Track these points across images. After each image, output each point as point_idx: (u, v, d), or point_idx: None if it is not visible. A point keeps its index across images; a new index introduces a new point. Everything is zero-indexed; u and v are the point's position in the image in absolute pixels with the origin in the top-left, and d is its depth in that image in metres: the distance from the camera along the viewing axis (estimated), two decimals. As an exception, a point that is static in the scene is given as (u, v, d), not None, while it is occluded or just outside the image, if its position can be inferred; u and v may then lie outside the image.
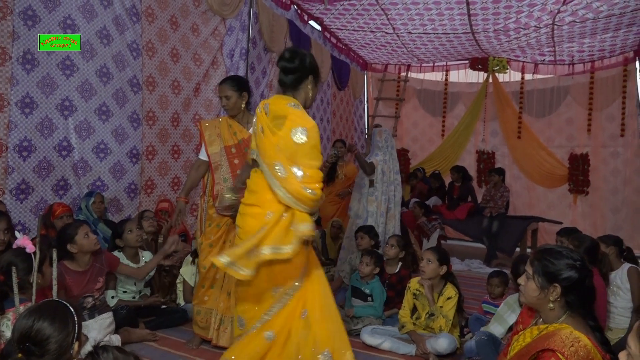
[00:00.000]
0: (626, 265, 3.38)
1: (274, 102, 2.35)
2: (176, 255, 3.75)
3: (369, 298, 3.70)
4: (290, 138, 2.21)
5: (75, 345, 1.58)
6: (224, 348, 2.86)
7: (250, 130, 2.96)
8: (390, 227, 4.74)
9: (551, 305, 1.78)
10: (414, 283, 3.40)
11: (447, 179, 7.58)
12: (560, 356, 1.59)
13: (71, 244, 2.96)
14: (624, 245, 3.53)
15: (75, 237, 2.95)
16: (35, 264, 2.17)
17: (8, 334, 2.19)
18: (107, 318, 3.01)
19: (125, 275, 3.45)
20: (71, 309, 1.60)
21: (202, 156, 3.21)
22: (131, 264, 3.47)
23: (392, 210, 4.80)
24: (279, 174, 2.19)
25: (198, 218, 3.33)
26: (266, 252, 2.16)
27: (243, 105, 3.14)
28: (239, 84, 3.14)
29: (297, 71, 2.36)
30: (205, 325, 3.16)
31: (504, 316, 2.97)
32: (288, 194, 2.19)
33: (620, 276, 3.36)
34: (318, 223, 4.73)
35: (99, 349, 1.43)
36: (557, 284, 1.76)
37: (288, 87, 2.39)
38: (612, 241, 3.46)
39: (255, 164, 2.38)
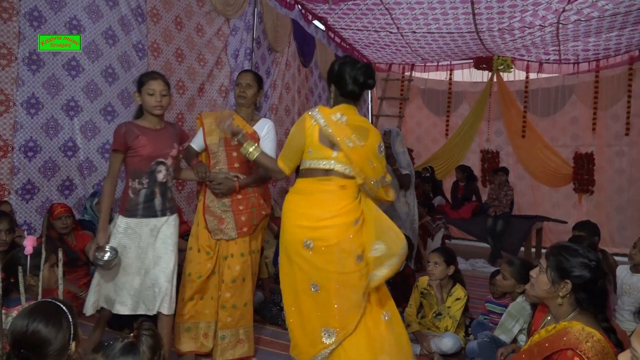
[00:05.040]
0: None
1: (351, 113, 2.44)
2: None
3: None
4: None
5: (73, 345, 1.55)
6: None
7: (261, 131, 2.97)
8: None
9: (560, 300, 1.81)
10: (422, 282, 3.42)
11: (452, 178, 7.57)
12: (581, 353, 1.59)
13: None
14: None
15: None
16: (42, 264, 2.18)
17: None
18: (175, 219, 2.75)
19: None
20: (64, 308, 1.57)
21: (194, 144, 3.11)
22: None
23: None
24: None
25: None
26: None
27: (257, 102, 3.08)
28: (260, 80, 3.09)
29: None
30: (203, 340, 2.94)
31: (509, 327, 2.97)
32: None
33: None
34: None
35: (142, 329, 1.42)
36: (568, 280, 1.78)
37: (357, 100, 2.50)
38: None
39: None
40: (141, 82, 2.59)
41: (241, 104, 3.02)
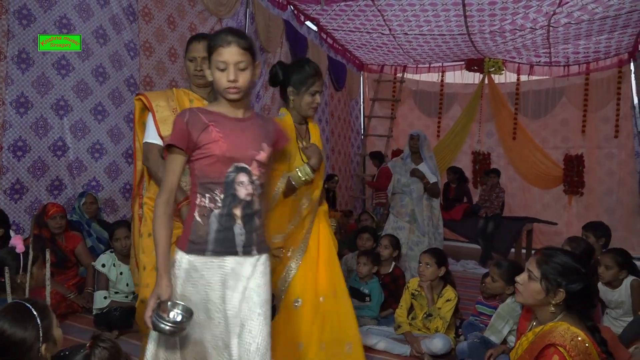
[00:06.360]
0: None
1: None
2: None
3: (367, 298, 3.71)
4: None
5: (43, 347, 1.52)
6: None
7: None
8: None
9: (552, 308, 1.81)
10: (413, 283, 3.43)
11: (443, 180, 7.59)
12: (562, 350, 1.61)
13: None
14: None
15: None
16: (30, 264, 2.17)
17: None
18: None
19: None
20: (33, 310, 1.54)
21: (154, 139, 2.16)
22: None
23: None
24: None
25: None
26: None
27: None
28: None
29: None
30: None
31: (499, 328, 2.98)
32: None
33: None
34: None
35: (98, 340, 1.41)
36: (562, 290, 1.78)
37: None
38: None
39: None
40: (210, 49, 1.65)
41: (199, 83, 2.30)
